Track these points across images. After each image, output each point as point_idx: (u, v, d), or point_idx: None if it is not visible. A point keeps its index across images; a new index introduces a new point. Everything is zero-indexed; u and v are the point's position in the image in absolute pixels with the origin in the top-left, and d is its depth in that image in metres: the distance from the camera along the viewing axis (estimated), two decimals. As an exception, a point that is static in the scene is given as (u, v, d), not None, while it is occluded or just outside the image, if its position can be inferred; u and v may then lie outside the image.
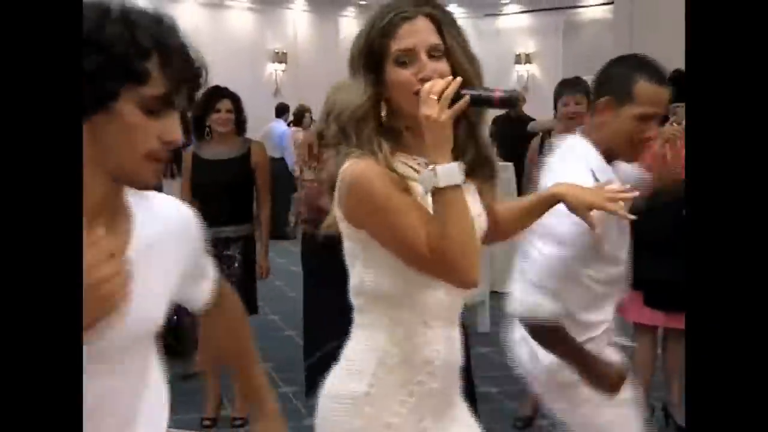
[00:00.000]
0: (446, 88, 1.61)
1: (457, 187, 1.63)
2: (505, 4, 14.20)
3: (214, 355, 2.04)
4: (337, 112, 1.87)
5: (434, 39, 1.71)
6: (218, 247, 4.20)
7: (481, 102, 1.76)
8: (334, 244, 2.77)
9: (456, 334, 1.92)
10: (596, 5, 12.72)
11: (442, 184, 1.62)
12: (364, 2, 13.52)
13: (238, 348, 1.83)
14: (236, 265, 4.46)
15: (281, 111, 11.45)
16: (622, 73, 2.44)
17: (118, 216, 1.38)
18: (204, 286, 1.69)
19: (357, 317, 1.91)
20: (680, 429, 4.28)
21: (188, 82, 1.31)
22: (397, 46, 1.71)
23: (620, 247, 2.48)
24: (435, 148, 1.67)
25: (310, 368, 4.20)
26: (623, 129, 2.40)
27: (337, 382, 1.88)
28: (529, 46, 14.07)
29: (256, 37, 13.40)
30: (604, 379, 2.44)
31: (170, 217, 1.51)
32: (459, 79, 1.63)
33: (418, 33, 1.71)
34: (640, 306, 4.19)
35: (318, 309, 4.29)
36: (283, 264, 7.25)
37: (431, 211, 1.69)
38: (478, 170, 1.81)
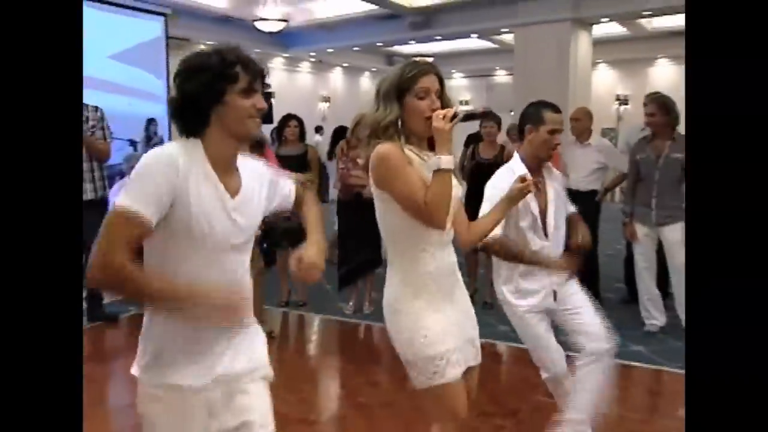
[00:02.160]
0: (450, 113, 2.21)
1: (449, 170, 2.20)
2: (453, 72, 20.05)
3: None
4: (368, 123, 2.34)
5: (437, 87, 2.29)
6: None
7: (471, 117, 2.39)
8: (354, 204, 4.32)
9: (446, 254, 2.38)
10: (505, 75, 19.05)
11: (443, 166, 2.19)
12: (374, 69, 18.98)
13: (312, 217, 2.20)
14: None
15: (319, 129, 15.71)
16: (534, 110, 3.16)
17: (234, 169, 1.90)
18: (286, 192, 2.13)
19: (388, 252, 2.45)
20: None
21: (259, 75, 1.84)
22: (419, 86, 2.26)
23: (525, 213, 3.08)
24: (441, 147, 2.21)
25: (341, 276, 6.05)
26: (542, 140, 3.10)
27: (386, 293, 2.42)
28: (466, 95, 20.12)
29: (313, 88, 18.45)
30: (552, 264, 3.11)
31: (254, 169, 1.99)
32: (455, 108, 2.24)
33: (431, 82, 2.28)
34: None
35: (344, 241, 6.05)
36: (324, 215, 8.88)
37: (426, 181, 2.21)
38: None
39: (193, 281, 1.77)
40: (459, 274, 2.45)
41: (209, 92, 1.75)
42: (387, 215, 2.32)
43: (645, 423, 3.87)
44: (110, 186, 7.03)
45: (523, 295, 3.14)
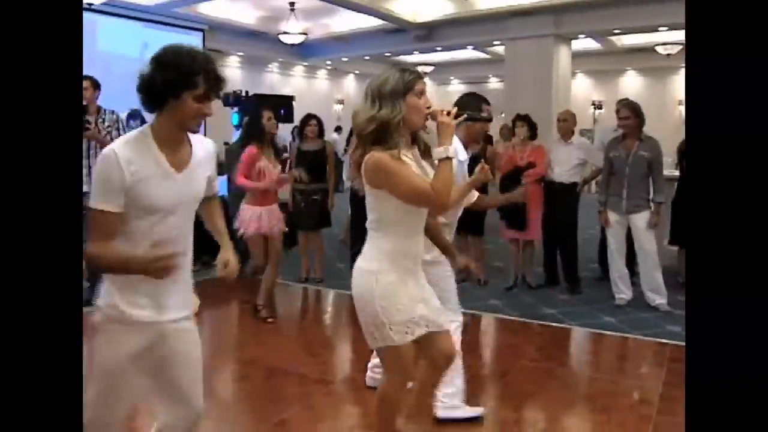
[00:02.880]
0: (454, 112, 2.33)
1: (451, 158, 2.26)
2: (452, 79, 20.00)
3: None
4: (378, 119, 2.27)
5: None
6: (310, 194, 5.99)
7: (473, 118, 2.53)
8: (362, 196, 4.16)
9: (421, 240, 2.43)
10: (496, 82, 18.53)
11: (449, 155, 2.25)
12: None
13: (214, 221, 2.29)
14: (319, 202, 6.05)
15: (338, 128, 15.35)
16: (472, 101, 3.21)
17: (183, 143, 1.96)
18: (214, 187, 2.23)
19: (370, 234, 2.42)
20: (530, 286, 5.96)
21: (217, 87, 1.89)
22: (418, 87, 2.31)
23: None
24: (445, 139, 2.28)
25: (353, 255, 5.79)
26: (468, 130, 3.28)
27: (361, 260, 2.43)
28: None
29: (329, 92, 18.28)
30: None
31: (205, 146, 2.06)
32: (455, 109, 2.35)
33: (424, 84, 2.36)
34: (505, 230, 5.97)
35: (355, 225, 5.84)
36: (339, 203, 7.99)
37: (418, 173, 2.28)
38: (421, 146, 2.41)
39: (141, 244, 1.89)
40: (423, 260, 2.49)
41: (170, 87, 1.82)
42: (382, 208, 2.32)
43: (613, 383, 3.89)
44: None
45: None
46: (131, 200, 1.85)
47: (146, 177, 1.86)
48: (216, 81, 1.88)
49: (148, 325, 1.96)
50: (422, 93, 2.32)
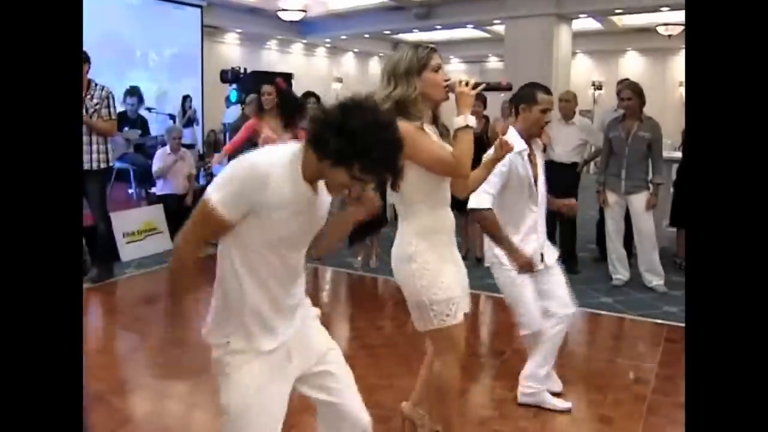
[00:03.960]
0: (472, 82, 2.29)
1: (471, 127, 2.26)
2: (452, 58, 19.63)
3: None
4: (395, 98, 2.26)
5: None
6: None
7: (492, 88, 2.44)
8: None
9: (449, 213, 2.41)
10: (496, 61, 18.54)
11: (469, 123, 2.26)
12: (382, 54, 18.50)
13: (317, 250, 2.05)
14: None
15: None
16: (529, 91, 3.05)
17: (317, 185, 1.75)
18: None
19: (401, 217, 2.42)
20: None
21: (377, 175, 1.67)
22: (434, 62, 2.31)
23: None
24: (464, 108, 2.28)
25: (350, 234, 5.88)
26: (535, 118, 3.01)
27: (397, 246, 2.41)
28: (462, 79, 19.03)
29: (328, 70, 18.03)
30: (518, 259, 2.91)
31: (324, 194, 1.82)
32: (474, 79, 2.30)
33: (439, 59, 2.34)
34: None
35: None
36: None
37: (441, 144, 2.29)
38: (438, 123, 2.41)
39: (262, 273, 1.75)
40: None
41: (337, 157, 1.60)
42: (407, 179, 2.26)
43: (609, 362, 3.91)
44: (152, 155, 7.08)
45: None
46: (257, 220, 1.68)
47: (287, 204, 1.69)
48: (375, 169, 1.67)
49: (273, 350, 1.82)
50: (439, 67, 2.31)
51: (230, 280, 1.76)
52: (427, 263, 2.34)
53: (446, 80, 2.32)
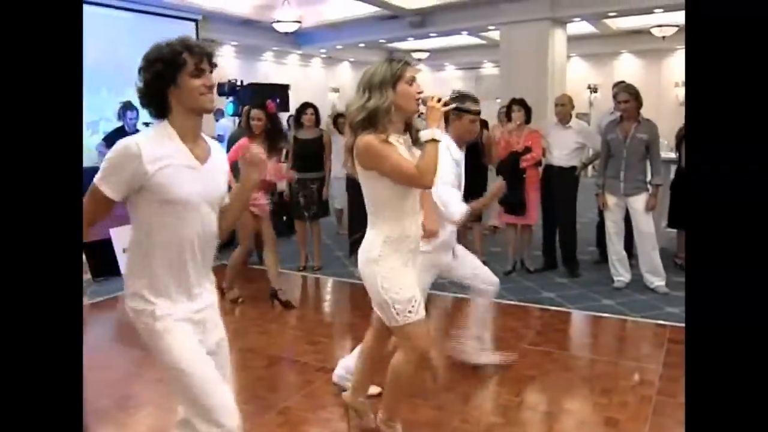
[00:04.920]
0: (444, 99, 2.43)
1: (438, 140, 2.37)
2: (447, 65, 19.98)
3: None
4: (369, 109, 2.38)
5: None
6: (307, 182, 5.99)
7: (461, 109, 2.83)
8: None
9: (416, 220, 2.55)
10: (492, 67, 18.45)
11: (436, 137, 2.35)
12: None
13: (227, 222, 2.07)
14: (315, 191, 6.04)
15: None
16: (459, 103, 3.17)
17: (200, 139, 1.94)
18: (225, 197, 2.08)
19: (369, 220, 2.54)
20: (529, 270, 5.99)
21: (206, 56, 1.86)
22: (408, 74, 2.41)
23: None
24: (432, 122, 2.38)
25: (351, 243, 6.07)
26: (466, 127, 3.31)
27: (364, 251, 2.54)
28: (458, 86, 19.04)
29: (324, 80, 18.06)
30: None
31: (220, 152, 2.04)
32: (446, 97, 2.48)
33: (414, 72, 2.44)
34: (503, 214, 5.96)
35: (353, 213, 6.08)
36: (335, 189, 8.17)
37: (406, 156, 2.39)
38: (412, 133, 2.52)
39: (170, 243, 1.90)
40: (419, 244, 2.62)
41: (163, 78, 1.83)
42: (375, 190, 2.47)
43: (613, 365, 3.90)
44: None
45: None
46: (155, 193, 1.84)
47: (171, 167, 1.84)
48: (201, 51, 1.87)
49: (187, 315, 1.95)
50: (413, 80, 2.41)
51: (142, 245, 1.93)
52: (391, 268, 2.48)
53: (419, 92, 2.43)
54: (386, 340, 2.94)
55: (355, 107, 2.43)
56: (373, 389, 3.18)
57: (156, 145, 1.84)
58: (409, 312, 2.49)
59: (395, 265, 2.49)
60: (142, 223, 1.91)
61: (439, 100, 2.42)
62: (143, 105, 1.89)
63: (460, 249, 3.51)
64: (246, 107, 5.23)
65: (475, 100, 3.36)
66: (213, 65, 1.91)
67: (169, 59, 1.81)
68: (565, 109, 5.88)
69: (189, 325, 1.93)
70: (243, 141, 4.93)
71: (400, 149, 2.41)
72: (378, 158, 2.37)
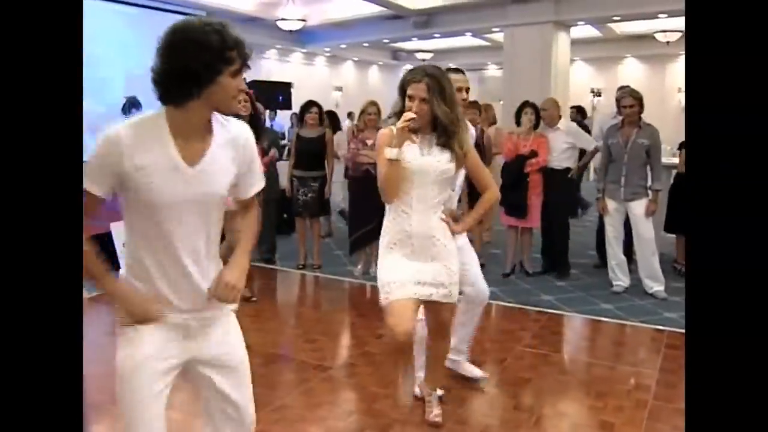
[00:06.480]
0: (408, 116, 2.52)
1: (395, 160, 2.56)
2: (450, 66, 18.43)
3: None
4: (397, 109, 2.68)
5: (423, 95, 2.56)
6: (308, 180, 6.03)
7: (413, 130, 2.63)
8: (363, 179, 4.39)
9: (426, 218, 2.66)
10: (495, 69, 18.35)
11: (391, 156, 2.56)
12: (381, 63, 18.93)
13: (247, 234, 1.94)
14: (317, 189, 6.06)
15: (350, 114, 15.44)
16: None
17: (203, 132, 1.71)
18: (249, 190, 1.88)
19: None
20: (527, 273, 5.99)
21: (248, 58, 1.68)
22: (409, 91, 2.60)
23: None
24: (396, 141, 2.57)
25: (351, 242, 6.01)
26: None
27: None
28: None
29: (327, 79, 18.10)
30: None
31: (238, 132, 1.79)
32: (410, 114, 2.52)
33: (417, 90, 2.58)
34: (504, 215, 5.97)
35: (353, 211, 6.05)
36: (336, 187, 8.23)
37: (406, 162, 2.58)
38: (443, 136, 2.63)
39: (151, 248, 1.71)
40: (438, 240, 2.69)
41: (207, 71, 1.61)
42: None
43: (610, 369, 3.91)
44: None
45: None
46: (136, 192, 1.65)
47: (152, 167, 1.64)
48: (246, 53, 1.68)
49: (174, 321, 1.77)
50: (411, 98, 2.59)
51: (131, 245, 1.75)
52: (383, 251, 2.74)
53: (415, 112, 2.56)
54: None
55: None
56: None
57: (140, 139, 1.64)
58: (386, 292, 2.65)
59: (386, 252, 2.72)
60: (128, 222, 1.75)
61: (407, 120, 2.53)
62: (159, 85, 1.64)
63: (469, 255, 3.39)
64: None
65: (458, 71, 3.47)
66: (249, 67, 1.73)
67: (218, 51, 1.60)
68: (547, 114, 5.88)
69: (160, 334, 1.74)
70: None
71: (409, 150, 2.60)
72: (378, 153, 2.69)
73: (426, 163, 2.62)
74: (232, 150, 1.77)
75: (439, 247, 2.70)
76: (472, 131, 3.21)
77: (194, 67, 1.59)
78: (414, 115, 2.53)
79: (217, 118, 1.75)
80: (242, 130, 1.81)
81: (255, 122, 4.88)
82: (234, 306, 1.89)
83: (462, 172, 2.98)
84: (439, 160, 2.62)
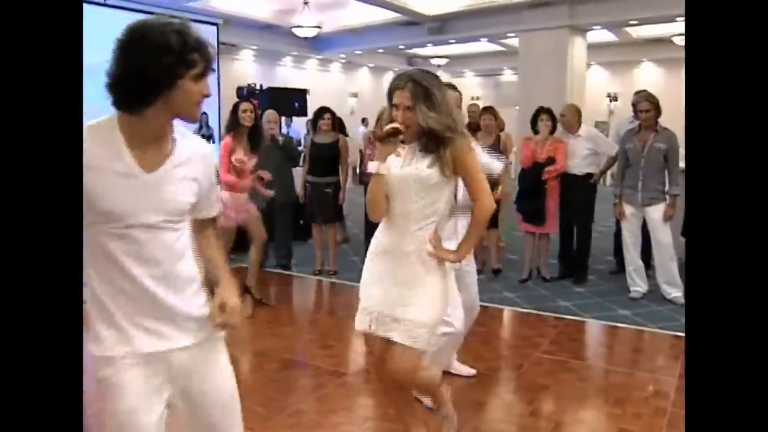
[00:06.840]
0: (389, 129, 2.27)
1: (379, 174, 2.32)
2: (466, 72, 20.01)
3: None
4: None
5: (407, 103, 2.29)
6: (322, 186, 6.04)
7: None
8: None
9: (404, 233, 2.38)
10: (511, 74, 18.32)
11: (373, 170, 2.33)
12: (396, 69, 18.93)
13: (208, 253, 1.80)
14: (331, 195, 6.10)
15: (364, 120, 15.38)
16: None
17: (166, 140, 1.58)
18: (212, 210, 1.81)
19: None
20: (545, 279, 5.97)
21: (211, 61, 1.55)
22: (393, 99, 2.35)
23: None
24: (379, 155, 2.30)
25: (367, 248, 6.24)
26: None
27: None
28: (478, 92, 19.32)
29: (343, 85, 18.23)
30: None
31: (198, 148, 1.67)
32: (393, 125, 2.26)
33: (400, 97, 2.32)
34: (522, 222, 5.95)
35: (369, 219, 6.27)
36: (350, 194, 8.24)
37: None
38: (431, 144, 2.32)
39: (113, 266, 1.56)
40: (412, 261, 2.37)
41: (167, 75, 1.48)
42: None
43: (628, 376, 3.87)
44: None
45: None
46: (87, 202, 1.50)
47: (101, 172, 1.51)
48: (210, 56, 1.55)
49: (153, 356, 1.63)
50: (396, 107, 2.32)
51: (87, 264, 1.60)
52: (366, 262, 2.52)
53: (400, 121, 2.29)
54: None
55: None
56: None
57: (94, 142, 1.50)
58: (360, 319, 2.53)
59: (367, 259, 2.52)
60: (90, 250, 1.58)
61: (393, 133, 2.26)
62: (113, 90, 1.50)
63: (469, 265, 3.37)
64: (234, 102, 5.17)
65: (452, 87, 3.30)
66: (213, 70, 1.60)
67: (179, 53, 1.47)
68: (566, 120, 5.85)
69: (140, 372, 1.62)
70: (226, 140, 4.88)
71: (392, 162, 2.31)
72: None
73: (406, 174, 2.33)
74: (193, 163, 1.64)
75: (413, 271, 2.39)
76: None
77: (152, 71, 1.46)
78: (398, 126, 2.26)
79: (178, 130, 1.63)
80: (202, 145, 1.72)
81: (256, 133, 4.95)
82: (222, 333, 1.77)
83: (462, 186, 2.55)
84: (418, 167, 2.32)
